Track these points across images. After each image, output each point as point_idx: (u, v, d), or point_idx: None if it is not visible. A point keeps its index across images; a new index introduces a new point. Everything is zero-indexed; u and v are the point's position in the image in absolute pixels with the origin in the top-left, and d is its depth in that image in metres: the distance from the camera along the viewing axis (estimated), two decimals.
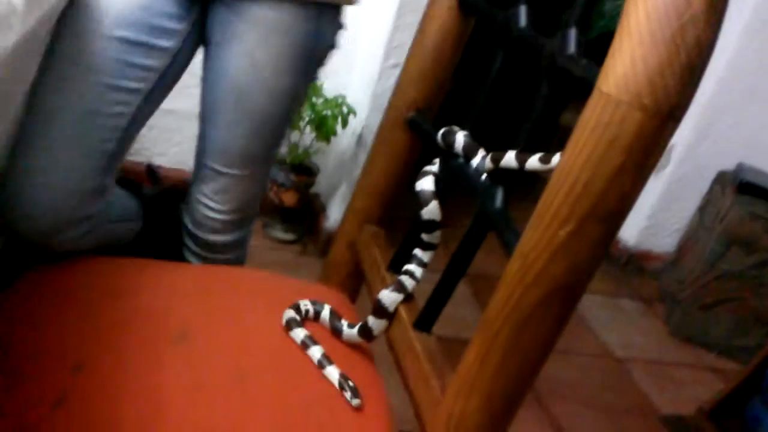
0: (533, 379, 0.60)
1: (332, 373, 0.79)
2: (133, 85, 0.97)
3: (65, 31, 0.90)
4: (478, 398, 0.60)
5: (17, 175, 0.91)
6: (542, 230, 0.55)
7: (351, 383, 0.77)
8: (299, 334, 0.83)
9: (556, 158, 0.60)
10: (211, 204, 1.12)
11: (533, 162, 0.65)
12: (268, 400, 0.75)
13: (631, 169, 0.51)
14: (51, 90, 0.91)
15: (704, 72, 0.51)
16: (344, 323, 0.86)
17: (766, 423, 1.69)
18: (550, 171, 0.57)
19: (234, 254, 1.19)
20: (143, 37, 0.95)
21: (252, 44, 0.99)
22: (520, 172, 0.67)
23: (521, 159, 0.66)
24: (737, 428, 1.77)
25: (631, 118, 0.50)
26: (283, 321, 0.85)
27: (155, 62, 0.98)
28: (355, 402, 0.76)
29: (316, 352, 0.81)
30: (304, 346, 0.82)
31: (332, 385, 0.78)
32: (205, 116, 1.08)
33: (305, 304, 0.87)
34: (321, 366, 0.80)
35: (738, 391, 1.78)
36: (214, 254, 1.17)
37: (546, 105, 0.68)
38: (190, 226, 1.15)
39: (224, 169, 1.08)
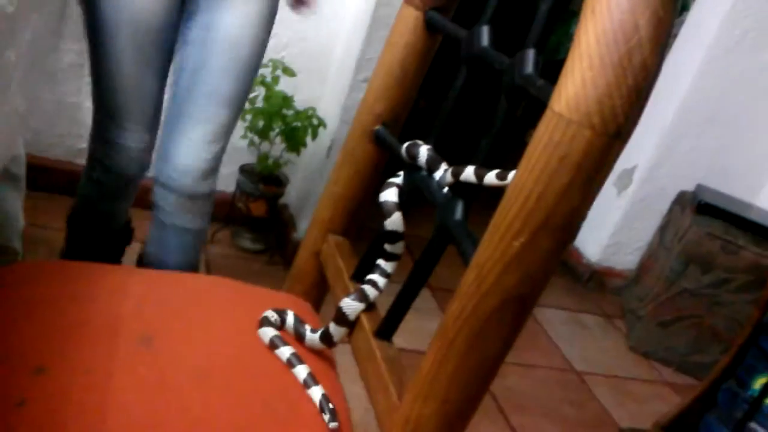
0: (488, 385, 0.62)
1: (315, 393, 0.80)
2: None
3: (119, 45, 1.22)
4: (434, 403, 0.62)
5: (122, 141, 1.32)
6: (497, 242, 0.57)
7: (331, 406, 0.78)
8: (285, 352, 0.84)
9: (511, 175, 0.63)
10: (195, 148, 1.29)
11: (490, 177, 0.67)
12: (231, 399, 0.76)
13: (580, 185, 0.54)
14: (131, 76, 1.26)
15: (650, 94, 0.54)
16: (308, 328, 0.87)
17: None
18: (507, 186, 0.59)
19: (207, 208, 1.36)
20: (169, 34, 1.27)
21: (243, 5, 1.26)
22: (481, 186, 0.70)
23: (479, 174, 0.69)
24: None
25: (580, 137, 0.52)
26: (266, 340, 0.85)
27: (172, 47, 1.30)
28: (333, 425, 0.77)
29: (301, 371, 0.82)
30: (290, 364, 0.83)
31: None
32: (195, 69, 1.28)
33: (272, 315, 0.88)
34: (306, 386, 0.81)
35: (694, 406, 1.82)
36: (192, 208, 1.32)
37: (505, 122, 0.70)
38: (172, 177, 1.30)
39: (211, 112, 1.29)
